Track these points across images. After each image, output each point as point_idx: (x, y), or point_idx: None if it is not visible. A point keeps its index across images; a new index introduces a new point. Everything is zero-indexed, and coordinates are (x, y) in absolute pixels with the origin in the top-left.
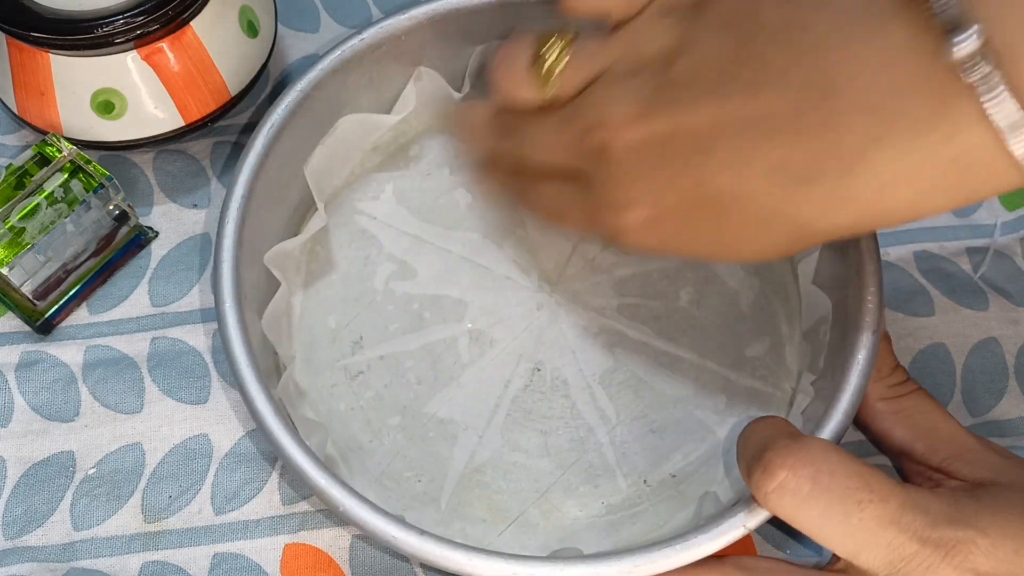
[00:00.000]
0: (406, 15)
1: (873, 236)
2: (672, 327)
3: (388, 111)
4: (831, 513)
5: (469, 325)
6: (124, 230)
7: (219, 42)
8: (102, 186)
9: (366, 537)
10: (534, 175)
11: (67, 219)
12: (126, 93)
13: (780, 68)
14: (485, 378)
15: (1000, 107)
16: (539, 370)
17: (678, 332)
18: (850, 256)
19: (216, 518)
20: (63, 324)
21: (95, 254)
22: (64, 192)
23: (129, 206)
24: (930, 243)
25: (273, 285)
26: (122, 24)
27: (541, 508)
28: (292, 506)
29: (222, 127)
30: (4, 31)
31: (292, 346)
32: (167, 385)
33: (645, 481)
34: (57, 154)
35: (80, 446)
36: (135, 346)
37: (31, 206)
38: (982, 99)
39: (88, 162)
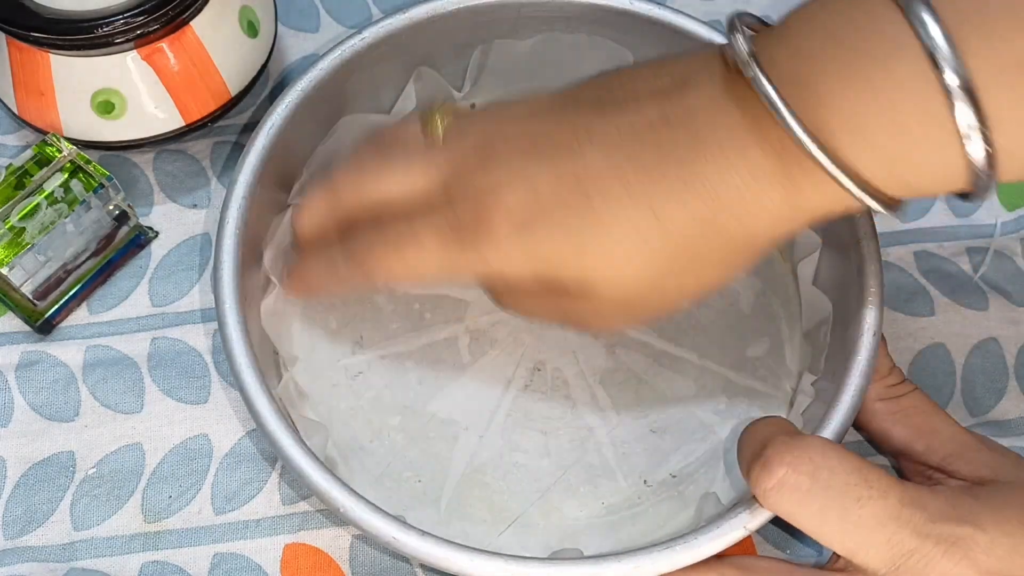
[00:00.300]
0: (406, 15)
1: (874, 237)
2: (673, 327)
3: (388, 111)
4: (830, 510)
5: (470, 325)
6: (124, 230)
7: (219, 42)
8: (102, 186)
9: (366, 537)
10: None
11: (67, 219)
12: (126, 93)
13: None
14: (486, 378)
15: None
16: (540, 370)
17: (679, 333)
18: (851, 257)
19: (216, 518)
20: (63, 324)
21: (95, 254)
22: (64, 192)
23: (129, 206)
24: (930, 243)
25: (274, 285)
26: (122, 24)
27: (541, 508)
28: (292, 506)
29: (222, 127)
30: (4, 31)
31: (293, 346)
32: (167, 385)
33: (645, 481)
34: (57, 154)
35: (80, 446)
36: (135, 346)
37: (31, 206)
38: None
39: (88, 162)
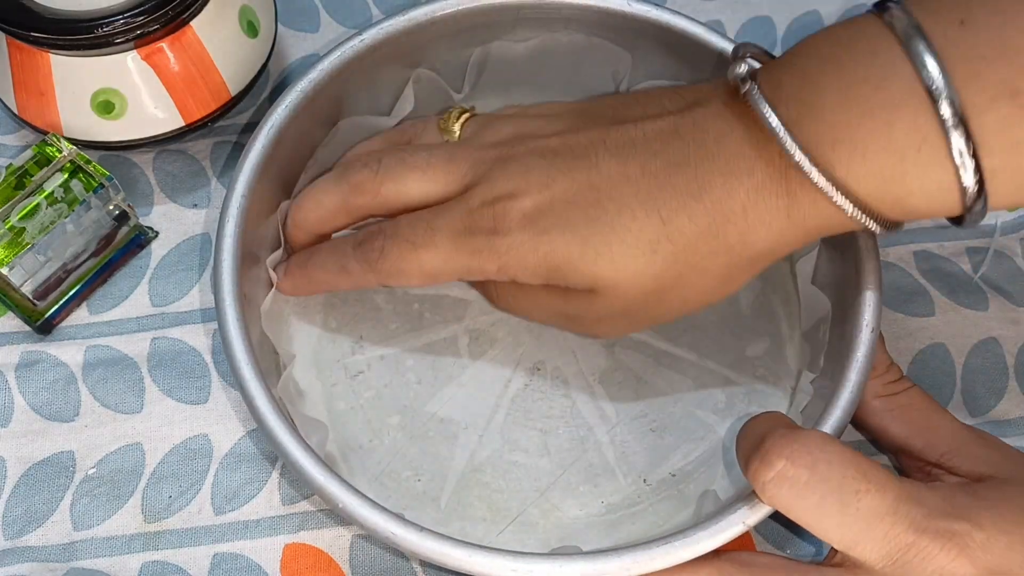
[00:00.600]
0: (405, 16)
1: (872, 235)
2: (672, 326)
3: (388, 113)
4: (828, 503)
5: (469, 325)
6: (124, 230)
7: (219, 42)
8: (102, 186)
9: (366, 537)
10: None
11: (67, 219)
12: (126, 93)
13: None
14: (485, 377)
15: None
16: (539, 369)
17: (678, 332)
18: (849, 255)
19: (216, 518)
20: (63, 324)
21: (95, 254)
22: (64, 192)
23: (129, 206)
24: (930, 243)
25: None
26: (122, 24)
27: (541, 507)
28: (292, 506)
29: (222, 127)
30: (4, 31)
31: (292, 345)
32: (167, 385)
33: (645, 480)
34: (57, 154)
35: (80, 446)
36: (135, 346)
37: (31, 206)
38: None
39: (88, 162)
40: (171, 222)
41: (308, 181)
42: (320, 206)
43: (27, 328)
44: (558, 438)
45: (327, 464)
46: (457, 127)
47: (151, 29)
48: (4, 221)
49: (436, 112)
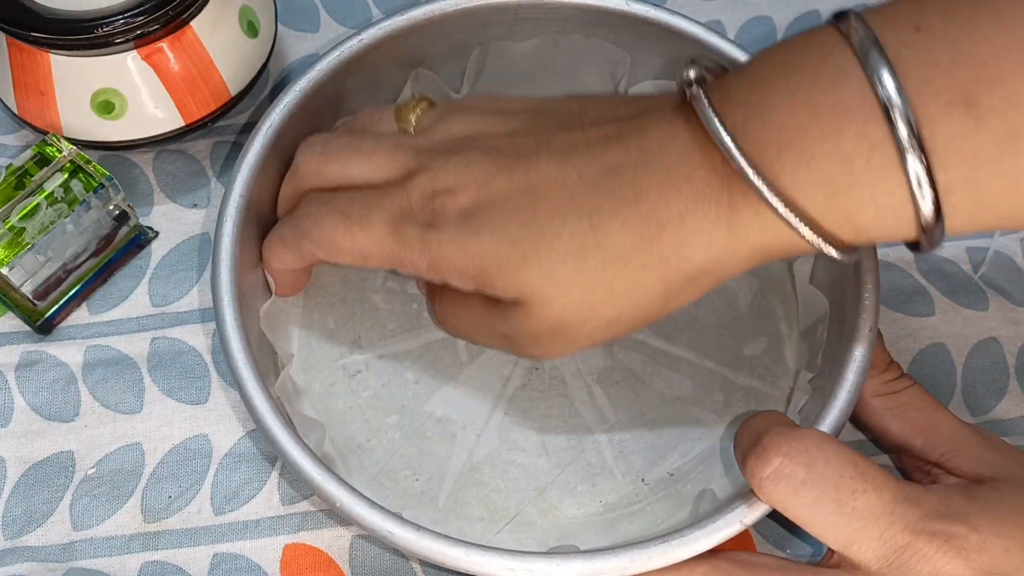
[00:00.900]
0: (404, 16)
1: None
2: (670, 326)
3: None
4: (824, 501)
5: None
6: (124, 230)
7: (219, 42)
8: (102, 186)
9: (366, 537)
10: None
11: (67, 219)
12: (126, 93)
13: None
14: (483, 377)
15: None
16: (537, 369)
17: (676, 331)
18: None
19: (216, 518)
20: (63, 324)
21: (95, 254)
22: (64, 192)
23: (129, 206)
24: None
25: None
26: (122, 24)
27: (539, 507)
28: (292, 506)
29: (222, 127)
30: (4, 31)
31: (290, 345)
32: (167, 385)
33: (643, 480)
34: (57, 154)
35: (80, 446)
36: (135, 346)
37: (31, 206)
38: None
39: (88, 162)
40: (171, 222)
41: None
42: (282, 195)
43: (27, 328)
44: (556, 438)
45: (325, 464)
46: (413, 117)
47: (151, 29)
48: (4, 221)
49: (394, 101)
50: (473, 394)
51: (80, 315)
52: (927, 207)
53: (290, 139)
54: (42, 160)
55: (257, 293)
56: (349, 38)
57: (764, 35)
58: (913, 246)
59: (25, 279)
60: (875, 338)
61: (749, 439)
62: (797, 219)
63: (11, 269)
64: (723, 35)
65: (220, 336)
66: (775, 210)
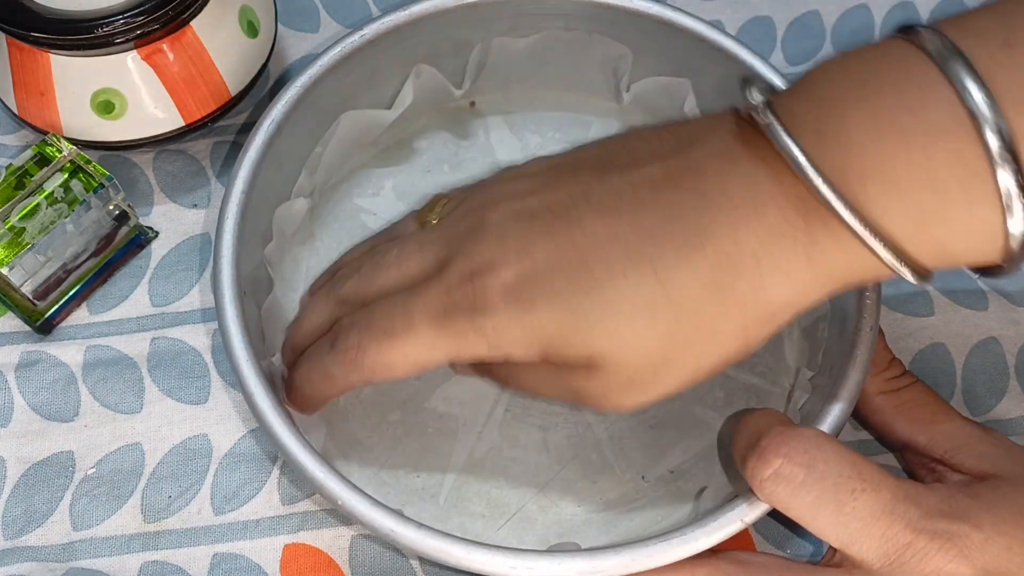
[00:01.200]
0: (405, 12)
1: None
2: None
3: (388, 108)
4: (824, 502)
5: None
6: (124, 230)
7: (219, 42)
8: (102, 186)
9: (366, 536)
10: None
11: (67, 219)
12: (126, 93)
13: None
14: None
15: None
16: None
17: None
18: None
19: (216, 518)
20: (63, 324)
21: (95, 254)
22: (64, 192)
23: (129, 206)
24: None
25: (273, 282)
26: (122, 24)
27: (539, 504)
28: (292, 506)
29: (222, 127)
30: (4, 31)
31: None
32: (167, 385)
33: (643, 477)
34: (57, 154)
35: (80, 446)
36: (135, 346)
37: (31, 206)
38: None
39: (88, 162)
40: (171, 222)
41: (309, 176)
42: (309, 321)
43: (27, 328)
44: (557, 435)
45: (326, 461)
46: (434, 216)
47: (151, 29)
48: (4, 221)
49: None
50: (474, 391)
51: (80, 315)
52: (1020, 233)
53: (292, 134)
54: (42, 160)
55: (258, 290)
56: (350, 33)
57: (764, 35)
58: (987, 270)
59: (25, 279)
60: (876, 336)
61: (747, 439)
62: (883, 247)
63: (11, 269)
64: (726, 32)
65: (221, 332)
66: (862, 239)
